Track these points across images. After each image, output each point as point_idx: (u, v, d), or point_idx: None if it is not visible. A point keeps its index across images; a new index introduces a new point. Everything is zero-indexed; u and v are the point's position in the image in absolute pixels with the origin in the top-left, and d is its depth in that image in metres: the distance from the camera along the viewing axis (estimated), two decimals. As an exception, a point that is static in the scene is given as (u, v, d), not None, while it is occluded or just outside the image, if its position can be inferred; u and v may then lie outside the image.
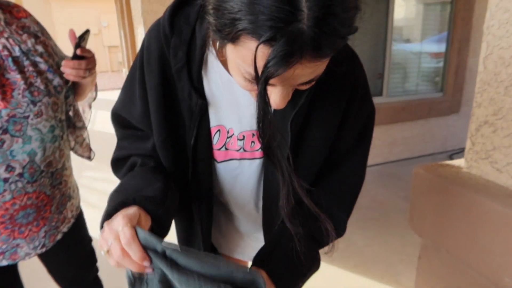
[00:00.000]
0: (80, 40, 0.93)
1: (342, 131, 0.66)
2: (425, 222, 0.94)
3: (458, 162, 0.95)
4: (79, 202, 1.21)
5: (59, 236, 1.10)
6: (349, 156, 0.70)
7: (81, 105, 1.12)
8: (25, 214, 0.95)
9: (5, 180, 0.88)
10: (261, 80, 0.44)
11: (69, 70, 0.94)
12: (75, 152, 1.17)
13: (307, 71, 0.46)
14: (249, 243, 0.96)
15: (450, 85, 3.72)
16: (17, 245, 0.99)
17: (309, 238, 0.68)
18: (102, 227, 0.57)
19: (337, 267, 2.12)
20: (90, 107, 1.17)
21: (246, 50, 0.44)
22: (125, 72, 8.33)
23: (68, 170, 1.10)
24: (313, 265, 0.73)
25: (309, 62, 0.43)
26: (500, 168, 0.81)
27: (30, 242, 1.01)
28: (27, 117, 0.89)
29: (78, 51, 0.93)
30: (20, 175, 0.91)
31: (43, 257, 1.19)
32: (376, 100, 3.42)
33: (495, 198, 0.77)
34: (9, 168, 0.89)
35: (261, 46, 0.41)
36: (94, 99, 1.22)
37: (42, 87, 0.92)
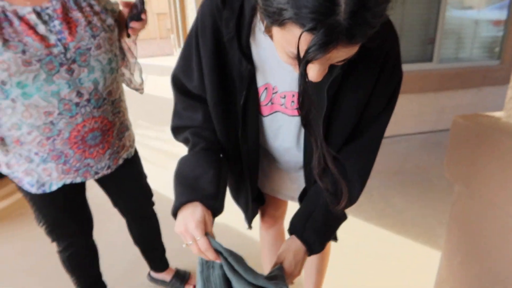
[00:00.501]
0: (143, 5, 1.14)
1: (373, 98, 0.74)
2: (461, 168, 0.99)
3: (498, 113, 0.98)
4: (134, 138, 1.41)
5: (120, 161, 1.30)
6: (374, 122, 0.78)
7: (127, 42, 1.30)
8: (93, 136, 1.13)
9: (77, 104, 1.06)
10: (302, 63, 0.52)
11: (137, 26, 1.18)
12: (129, 85, 1.36)
13: (342, 54, 0.54)
14: (289, 185, 1.08)
15: (509, 54, 3.49)
16: (88, 164, 1.18)
17: (335, 201, 0.79)
18: (174, 214, 0.76)
19: (374, 225, 2.20)
20: (135, 43, 1.34)
21: (291, 35, 0.52)
22: (173, 38, 8.57)
23: (123, 103, 1.31)
24: (340, 222, 0.88)
25: (344, 48, 0.51)
26: (540, 115, 0.84)
27: (98, 163, 1.21)
28: (89, 49, 1.06)
29: (143, 16, 1.16)
30: (88, 100, 1.08)
31: (108, 185, 1.39)
32: (425, 66, 3.32)
33: (531, 142, 0.80)
34: (79, 94, 1.07)
35: (304, 33, 0.49)
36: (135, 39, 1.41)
37: (98, 24, 1.10)
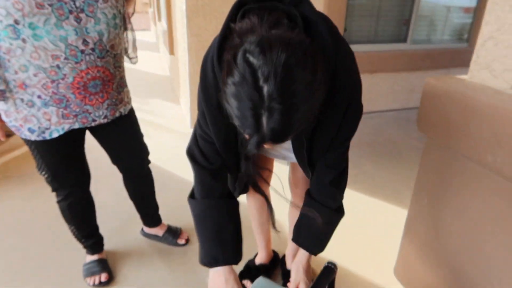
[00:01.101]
0: None
1: (340, 132, 0.93)
2: (431, 122, 1.16)
3: (463, 76, 1.15)
4: (130, 98, 1.49)
5: (117, 114, 1.40)
6: (341, 145, 1.00)
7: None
8: (94, 84, 1.23)
9: (82, 52, 1.15)
10: (243, 154, 0.83)
11: None
12: (126, 53, 1.44)
13: (276, 144, 0.74)
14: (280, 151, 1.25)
15: (476, 38, 3.75)
16: (87, 110, 1.27)
17: (326, 211, 1.08)
18: (202, 263, 1.06)
19: (348, 189, 2.39)
20: (132, 14, 1.44)
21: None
22: (151, 12, 8.40)
23: (123, 60, 1.39)
24: (334, 225, 1.16)
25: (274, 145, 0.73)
26: (497, 75, 1.02)
27: (96, 110, 1.30)
28: (97, 1, 1.15)
29: None
30: (92, 49, 1.18)
31: (108, 140, 1.48)
32: (399, 46, 3.52)
33: (487, 96, 0.98)
34: (85, 42, 1.16)
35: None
36: (133, 13, 1.49)
37: None
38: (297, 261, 1.17)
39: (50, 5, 1.06)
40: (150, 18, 8.93)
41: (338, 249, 1.83)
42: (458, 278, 1.17)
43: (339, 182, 1.06)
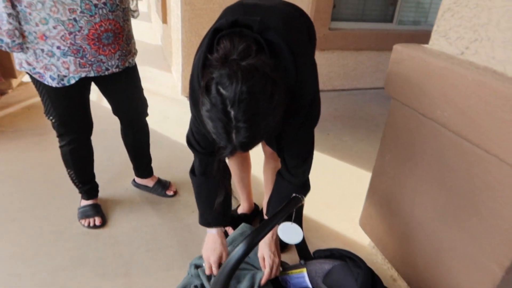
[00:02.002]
0: None
1: (301, 127, 1.13)
2: (396, 84, 1.32)
3: (425, 45, 1.31)
4: (137, 50, 1.63)
5: (127, 64, 1.53)
6: (303, 136, 1.18)
7: None
8: (107, 36, 1.35)
9: (95, 6, 1.28)
10: (217, 158, 1.10)
11: None
12: (130, 7, 1.56)
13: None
14: None
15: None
16: (101, 60, 1.40)
17: (292, 188, 1.25)
18: (200, 224, 1.37)
19: (328, 156, 2.57)
20: None
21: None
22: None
23: (130, 14, 1.52)
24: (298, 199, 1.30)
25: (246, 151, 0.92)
26: (451, 42, 1.17)
27: (109, 60, 1.43)
28: None
29: None
30: (104, 4, 1.30)
31: (112, 91, 1.61)
32: (385, 26, 3.64)
33: (440, 60, 1.13)
34: None
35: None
36: None
37: None
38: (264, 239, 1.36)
39: None
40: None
41: (312, 206, 2.01)
42: (410, 224, 1.36)
43: (304, 165, 1.25)
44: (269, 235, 1.33)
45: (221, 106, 0.79)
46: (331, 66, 3.64)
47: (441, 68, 1.12)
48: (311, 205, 2.01)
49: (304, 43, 1.08)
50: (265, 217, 1.76)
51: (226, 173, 1.29)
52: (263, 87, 0.80)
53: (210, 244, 1.34)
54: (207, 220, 1.35)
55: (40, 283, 1.46)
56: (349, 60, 3.69)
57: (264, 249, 1.30)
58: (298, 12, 1.21)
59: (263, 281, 1.24)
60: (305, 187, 1.32)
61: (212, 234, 1.36)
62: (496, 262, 1.02)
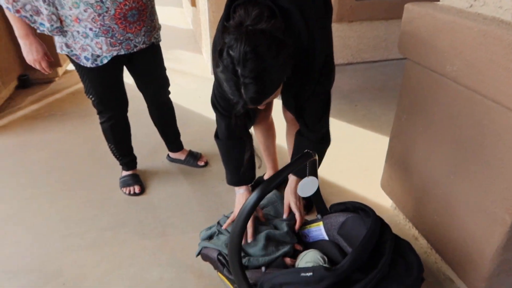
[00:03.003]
0: None
1: (317, 86, 1.20)
2: (408, 43, 1.34)
3: (436, 2, 1.31)
4: (160, 25, 1.73)
5: (152, 39, 1.65)
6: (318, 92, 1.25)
7: None
8: (132, 14, 1.47)
9: None
10: (233, 114, 1.18)
11: None
12: None
13: (263, 104, 1.03)
14: None
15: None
16: (129, 38, 1.53)
17: (312, 143, 1.35)
18: (228, 184, 1.47)
19: (355, 126, 2.60)
20: None
21: None
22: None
23: None
24: (321, 152, 1.42)
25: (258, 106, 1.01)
26: (462, -4, 1.17)
27: (136, 37, 1.56)
28: None
29: None
30: None
31: (138, 68, 1.74)
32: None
33: (450, 14, 1.14)
34: None
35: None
36: None
37: None
38: (286, 188, 1.47)
39: None
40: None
41: (338, 173, 2.07)
42: (427, 182, 1.39)
43: (321, 121, 1.33)
44: (292, 185, 1.44)
45: (231, 66, 0.89)
46: (360, 38, 3.59)
47: (449, 22, 1.13)
48: (337, 172, 2.07)
49: (317, 8, 1.14)
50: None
51: (246, 131, 1.38)
52: (268, 47, 0.90)
53: (241, 201, 1.45)
54: (233, 180, 1.46)
55: (89, 241, 1.66)
56: (379, 30, 3.61)
57: (290, 197, 1.42)
58: None
59: (297, 226, 1.38)
60: (325, 141, 1.41)
61: (240, 194, 1.47)
62: (505, 210, 1.05)
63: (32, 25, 1.42)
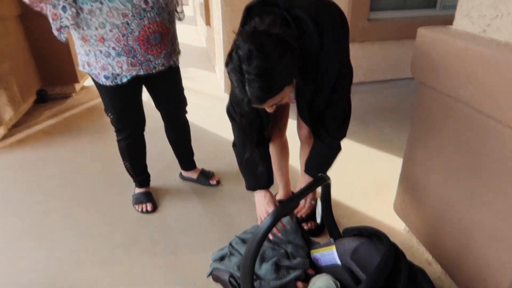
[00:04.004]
0: None
1: (335, 91, 1.22)
2: (421, 66, 1.34)
3: (449, 26, 1.32)
4: (180, 50, 1.77)
5: (171, 62, 1.69)
6: (337, 98, 1.28)
7: None
8: (154, 37, 1.51)
9: (144, 10, 1.44)
10: (239, 112, 1.22)
11: None
12: (175, 9, 1.69)
13: (268, 105, 1.05)
14: None
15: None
16: (149, 59, 1.57)
17: (327, 148, 1.37)
18: (247, 189, 1.49)
19: (366, 146, 2.59)
20: None
21: None
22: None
23: (174, 16, 1.65)
24: (333, 157, 1.44)
25: (264, 105, 1.03)
26: (474, 21, 1.18)
27: (156, 59, 1.60)
28: None
29: None
30: (152, 8, 1.46)
31: (157, 88, 1.78)
32: (428, 12, 3.54)
33: (462, 39, 1.15)
34: (146, 2, 1.46)
35: None
36: None
37: None
38: (300, 185, 1.44)
39: None
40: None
41: (350, 194, 2.06)
42: (441, 206, 1.37)
43: (343, 126, 1.36)
44: (305, 181, 1.46)
45: (238, 64, 0.95)
46: (372, 58, 3.61)
47: (462, 48, 1.13)
48: (348, 194, 2.06)
49: (333, 22, 1.15)
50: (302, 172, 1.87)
51: (261, 137, 1.42)
52: (273, 48, 0.94)
53: (261, 200, 1.46)
54: (252, 186, 1.48)
55: (101, 258, 1.68)
56: (391, 50, 3.63)
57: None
58: (330, 2, 1.27)
59: (300, 213, 1.45)
60: (338, 148, 1.43)
61: (259, 194, 1.47)
62: (522, 238, 1.03)
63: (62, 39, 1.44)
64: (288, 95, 1.07)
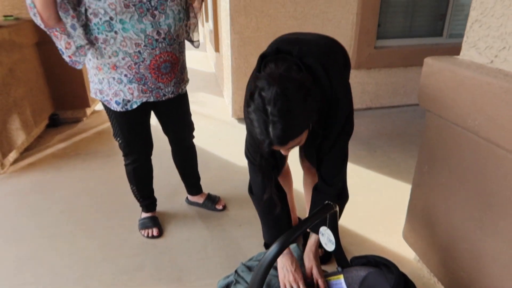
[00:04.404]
0: None
1: (338, 139, 1.25)
2: (429, 95, 1.35)
3: (456, 56, 1.33)
4: (188, 78, 1.81)
5: (180, 90, 1.73)
6: (337, 145, 1.29)
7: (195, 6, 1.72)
8: (165, 66, 1.55)
9: (156, 40, 1.48)
10: (259, 154, 1.23)
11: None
12: (189, 38, 1.74)
13: (288, 147, 1.06)
14: None
15: None
16: (159, 87, 1.61)
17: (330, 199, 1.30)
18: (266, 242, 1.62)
19: (374, 172, 2.57)
20: (201, 5, 1.76)
21: None
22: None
23: (185, 47, 1.69)
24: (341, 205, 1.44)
25: (284, 147, 1.04)
26: (481, 52, 1.19)
27: (166, 87, 1.63)
28: (166, 0, 1.47)
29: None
30: (164, 38, 1.50)
31: (165, 114, 1.81)
32: (435, 40, 3.59)
33: (470, 70, 1.16)
34: (158, 33, 1.49)
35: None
36: (202, 1, 1.78)
37: None
38: (307, 249, 1.45)
39: (134, 5, 1.40)
40: (199, 20, 9.50)
41: (358, 221, 2.03)
42: (451, 235, 1.34)
43: (339, 175, 1.36)
44: (313, 248, 1.42)
45: (262, 105, 0.96)
46: (378, 84, 3.64)
47: (469, 78, 1.14)
48: (357, 220, 2.03)
49: (338, 67, 1.21)
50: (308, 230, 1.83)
51: (276, 184, 1.40)
52: (297, 91, 0.97)
53: (287, 267, 1.38)
54: (271, 238, 1.45)
55: (106, 283, 1.66)
56: (397, 77, 3.66)
57: (313, 261, 1.40)
58: (333, 43, 1.33)
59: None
60: (342, 196, 1.40)
61: (285, 259, 1.39)
62: (537, 271, 1.00)
63: (78, 67, 1.48)
64: (305, 137, 1.08)
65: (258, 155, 1.27)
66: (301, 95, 0.97)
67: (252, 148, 1.32)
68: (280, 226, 1.43)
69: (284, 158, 1.52)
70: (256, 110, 0.97)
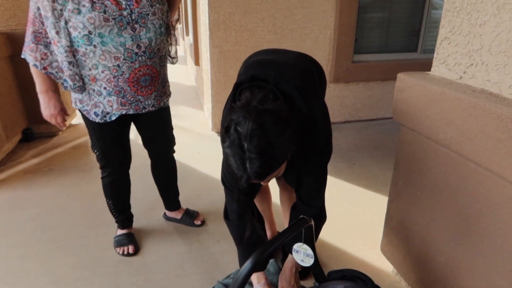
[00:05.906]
0: None
1: (318, 162, 1.27)
2: (402, 110, 1.38)
3: (427, 72, 1.37)
4: (171, 92, 1.80)
5: (161, 104, 1.70)
6: (315, 171, 1.31)
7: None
8: (144, 79, 1.53)
9: (136, 54, 1.46)
10: (237, 188, 1.17)
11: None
12: (168, 54, 1.72)
13: (267, 180, 1.06)
14: None
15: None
16: (139, 100, 1.59)
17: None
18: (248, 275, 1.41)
19: (352, 185, 2.59)
20: (177, 21, 1.74)
21: None
22: (180, 28, 8.97)
23: (166, 60, 1.69)
24: (316, 229, 1.41)
25: (263, 181, 1.04)
26: (450, 68, 1.23)
27: (146, 100, 1.61)
28: (148, 14, 1.47)
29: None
30: (144, 52, 1.48)
31: (146, 127, 1.78)
32: (410, 55, 3.69)
33: (440, 85, 1.19)
34: (138, 46, 1.47)
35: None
36: (178, 19, 1.79)
37: None
38: (283, 269, 1.46)
39: (114, 18, 1.39)
40: (179, 34, 9.49)
41: (336, 234, 2.03)
42: (428, 248, 1.36)
43: (318, 196, 1.36)
44: (287, 270, 1.41)
45: (238, 141, 0.93)
46: (356, 98, 3.71)
47: (439, 93, 1.17)
48: (335, 234, 2.03)
49: (314, 89, 1.22)
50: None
51: (250, 208, 1.39)
52: (274, 125, 0.94)
53: (255, 284, 1.41)
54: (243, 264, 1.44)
55: (77, 306, 1.59)
56: (375, 91, 3.74)
57: (283, 283, 1.39)
58: (309, 62, 1.34)
59: None
60: (320, 217, 1.40)
61: (256, 276, 1.42)
62: (506, 280, 1.01)
63: (57, 81, 1.49)
64: (284, 168, 1.07)
65: (235, 181, 1.25)
66: (279, 128, 0.94)
67: (230, 175, 1.29)
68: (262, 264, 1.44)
69: (260, 186, 1.50)
70: (231, 146, 0.94)
